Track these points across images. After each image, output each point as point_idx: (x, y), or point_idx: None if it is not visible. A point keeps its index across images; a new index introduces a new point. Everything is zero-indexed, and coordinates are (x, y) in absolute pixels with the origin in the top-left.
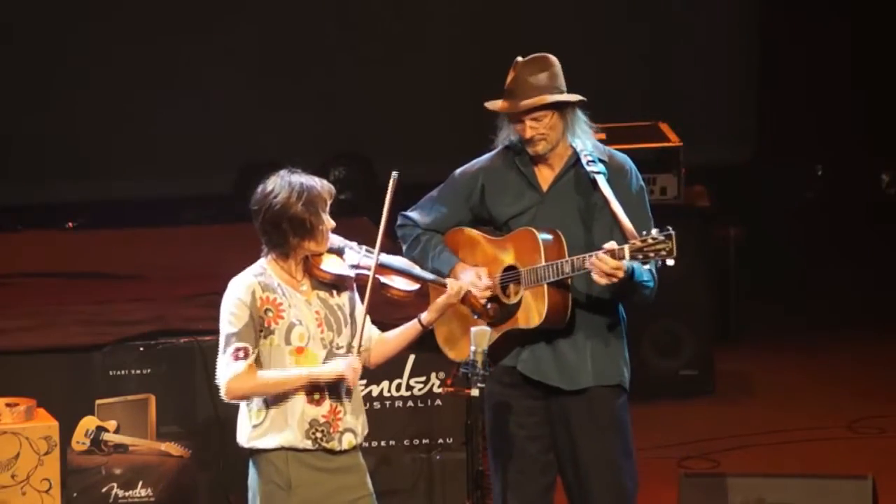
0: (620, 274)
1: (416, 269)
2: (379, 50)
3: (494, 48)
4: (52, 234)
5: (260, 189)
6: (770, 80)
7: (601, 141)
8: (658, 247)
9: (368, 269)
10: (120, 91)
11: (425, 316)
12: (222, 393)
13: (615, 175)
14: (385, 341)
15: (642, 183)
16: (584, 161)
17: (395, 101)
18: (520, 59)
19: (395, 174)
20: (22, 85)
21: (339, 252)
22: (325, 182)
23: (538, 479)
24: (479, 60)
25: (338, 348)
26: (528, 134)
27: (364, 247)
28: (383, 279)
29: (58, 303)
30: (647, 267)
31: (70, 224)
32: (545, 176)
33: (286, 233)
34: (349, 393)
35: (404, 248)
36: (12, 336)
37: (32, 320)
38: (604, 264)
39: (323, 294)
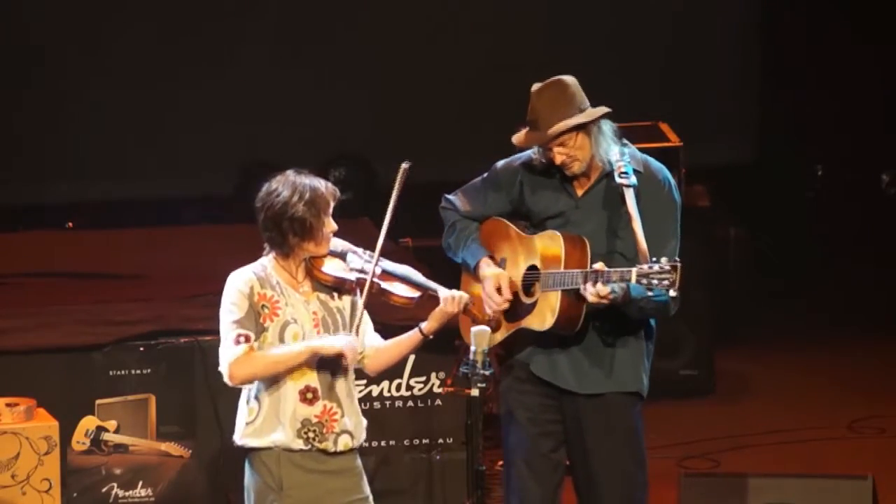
0: (605, 301)
1: (418, 277)
2: (379, 50)
3: (495, 48)
4: (52, 234)
5: (264, 187)
6: (771, 80)
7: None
8: (662, 276)
9: (370, 274)
10: (120, 91)
11: (426, 325)
12: (226, 377)
13: (647, 185)
14: (385, 349)
15: (676, 196)
16: (616, 172)
17: (395, 101)
18: (535, 87)
19: (405, 165)
20: (22, 85)
21: (342, 256)
22: (329, 184)
23: (549, 476)
24: (480, 60)
25: None
26: (559, 160)
27: (368, 252)
28: (385, 285)
29: (58, 303)
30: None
31: (70, 224)
32: (581, 182)
33: (286, 232)
34: (345, 393)
35: (445, 230)
36: (12, 336)
37: (32, 320)
38: (596, 287)
39: (323, 296)
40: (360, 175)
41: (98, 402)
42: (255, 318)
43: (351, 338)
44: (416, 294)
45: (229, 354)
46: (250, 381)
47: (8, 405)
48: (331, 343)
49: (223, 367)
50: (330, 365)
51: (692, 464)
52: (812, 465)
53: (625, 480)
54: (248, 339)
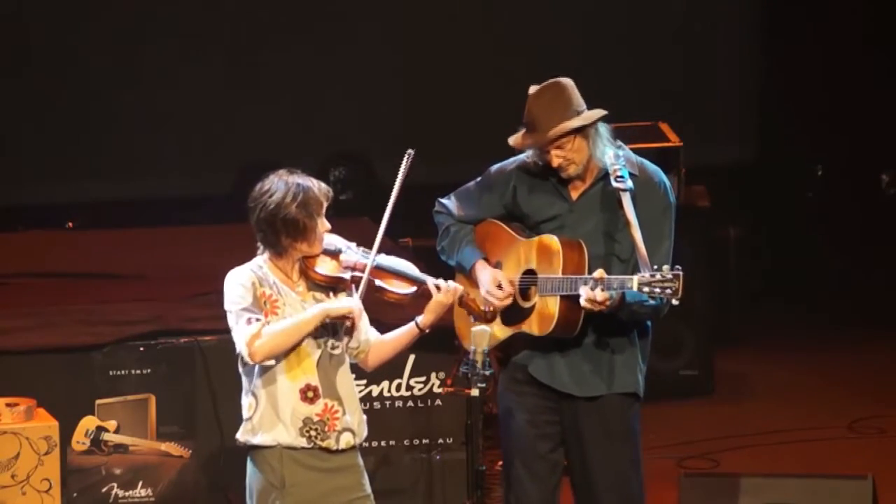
0: (603, 307)
1: (413, 271)
2: (379, 50)
3: (495, 49)
4: (52, 234)
5: (257, 187)
6: (771, 81)
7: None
8: (665, 285)
9: (364, 270)
10: (119, 91)
11: (422, 318)
12: (246, 356)
13: (642, 189)
14: (382, 344)
15: (671, 199)
16: (612, 176)
17: (395, 101)
18: (532, 89)
19: (410, 151)
20: (22, 85)
21: (336, 254)
22: (322, 184)
23: (547, 478)
24: (480, 61)
25: (333, 348)
26: (556, 163)
27: (362, 248)
28: (379, 282)
29: (58, 303)
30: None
31: (70, 224)
32: (576, 185)
33: (279, 232)
34: (346, 390)
35: (439, 234)
36: (12, 336)
37: (32, 320)
38: (594, 296)
39: (319, 296)
40: (360, 175)
41: (98, 402)
42: (262, 309)
43: (355, 300)
44: (411, 290)
45: (246, 334)
46: (271, 356)
47: (8, 405)
48: (339, 304)
49: (241, 349)
50: (329, 362)
51: (692, 464)
52: (812, 465)
53: (622, 481)
54: (259, 320)
